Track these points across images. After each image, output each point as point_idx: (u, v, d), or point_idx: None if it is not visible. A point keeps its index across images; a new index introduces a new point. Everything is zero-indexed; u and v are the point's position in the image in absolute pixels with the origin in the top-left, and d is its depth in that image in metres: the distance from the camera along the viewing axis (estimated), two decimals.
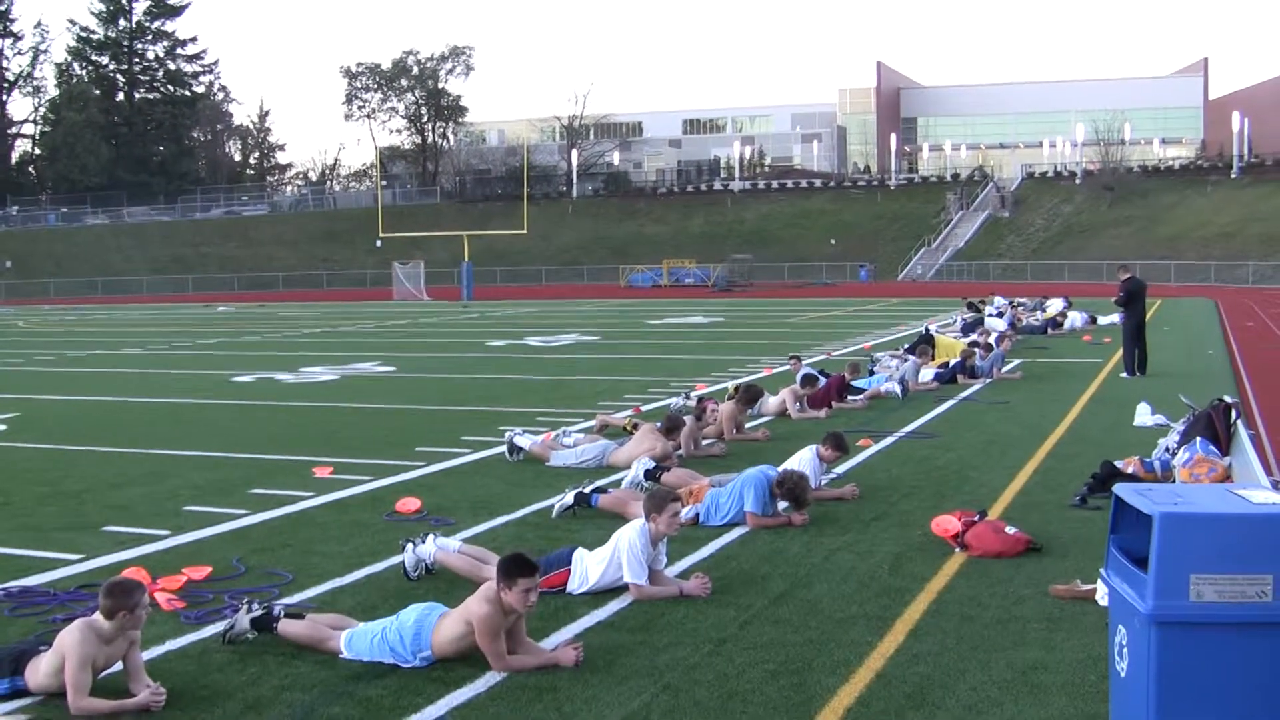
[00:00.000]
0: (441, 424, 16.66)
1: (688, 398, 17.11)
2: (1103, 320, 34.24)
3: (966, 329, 29.59)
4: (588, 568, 8.21)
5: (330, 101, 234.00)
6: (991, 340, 24.23)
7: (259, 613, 7.19)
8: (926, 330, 26.82)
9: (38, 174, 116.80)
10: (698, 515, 10.27)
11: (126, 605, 6.29)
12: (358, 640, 6.96)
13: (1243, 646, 5.01)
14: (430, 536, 8.72)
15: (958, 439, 14.66)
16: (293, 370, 24.93)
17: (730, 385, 15.73)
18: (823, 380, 17.71)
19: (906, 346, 23.94)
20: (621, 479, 11.90)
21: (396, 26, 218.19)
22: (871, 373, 20.52)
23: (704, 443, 13.99)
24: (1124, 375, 21.37)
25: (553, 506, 10.78)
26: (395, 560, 8.74)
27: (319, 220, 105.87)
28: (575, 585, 8.18)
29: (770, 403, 17.00)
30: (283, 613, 7.25)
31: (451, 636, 6.80)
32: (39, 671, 6.42)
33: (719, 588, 8.21)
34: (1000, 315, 33.11)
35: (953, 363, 21.52)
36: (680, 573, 8.61)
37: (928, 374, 20.34)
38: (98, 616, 6.35)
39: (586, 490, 10.72)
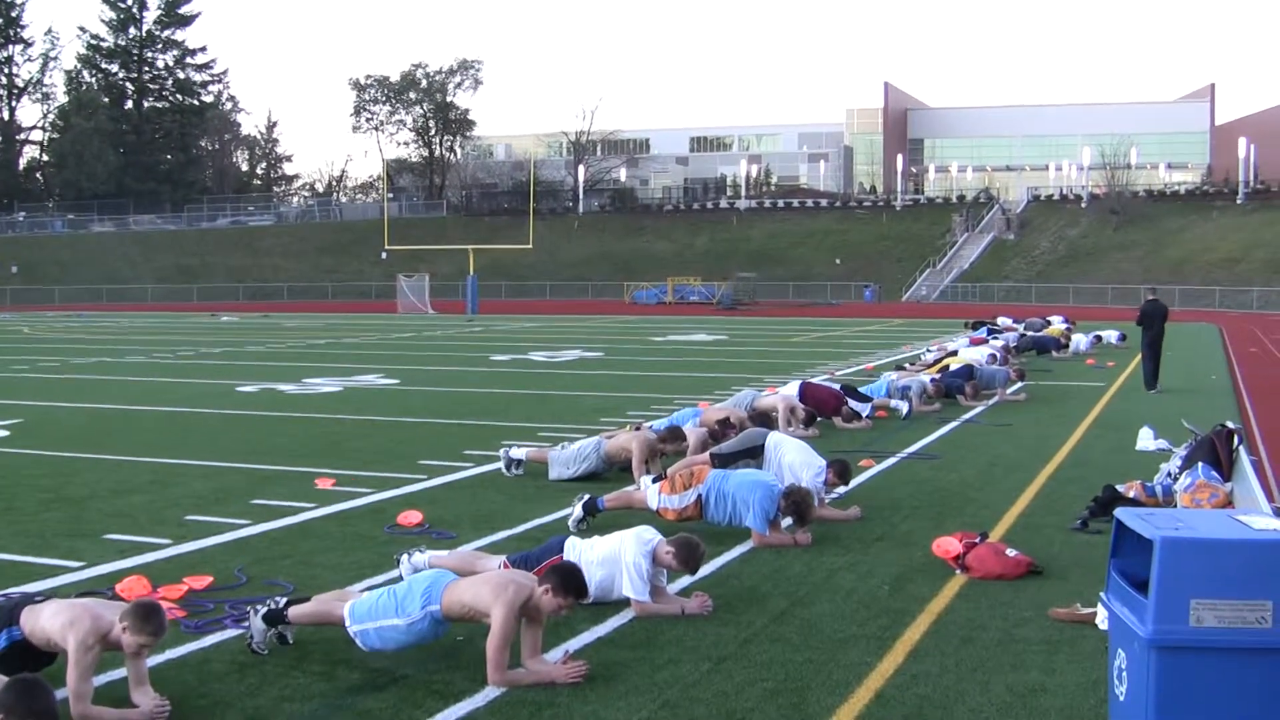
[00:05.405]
0: (444, 437, 16.67)
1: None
2: (1105, 336, 34.87)
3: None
4: (586, 562, 8.18)
5: (338, 113, 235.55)
6: (995, 352, 24.30)
7: (266, 609, 7.26)
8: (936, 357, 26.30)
9: (45, 181, 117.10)
10: (700, 498, 10.31)
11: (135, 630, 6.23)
12: (360, 606, 7.08)
13: (1242, 672, 5.02)
14: (424, 549, 8.84)
15: (960, 460, 14.66)
16: (296, 381, 24.95)
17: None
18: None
19: (917, 368, 23.89)
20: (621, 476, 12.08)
21: (405, 39, 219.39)
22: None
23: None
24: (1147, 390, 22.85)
25: (554, 521, 10.85)
26: (394, 574, 8.75)
27: (325, 232, 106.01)
28: None
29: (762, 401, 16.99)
30: (287, 602, 7.36)
31: (462, 601, 6.91)
32: (38, 624, 6.40)
33: (720, 605, 8.21)
34: (996, 335, 32.92)
35: (953, 367, 21.46)
36: (681, 590, 8.61)
37: (919, 383, 19.78)
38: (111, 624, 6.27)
39: (590, 498, 10.81)
